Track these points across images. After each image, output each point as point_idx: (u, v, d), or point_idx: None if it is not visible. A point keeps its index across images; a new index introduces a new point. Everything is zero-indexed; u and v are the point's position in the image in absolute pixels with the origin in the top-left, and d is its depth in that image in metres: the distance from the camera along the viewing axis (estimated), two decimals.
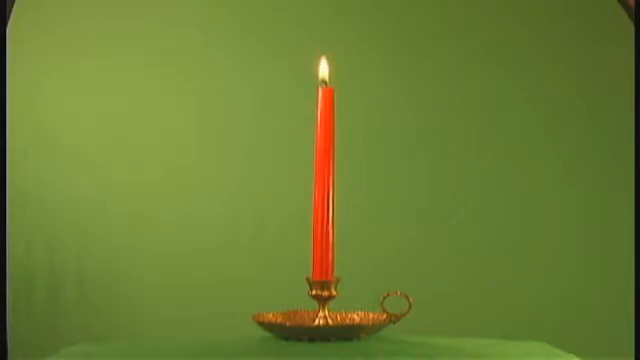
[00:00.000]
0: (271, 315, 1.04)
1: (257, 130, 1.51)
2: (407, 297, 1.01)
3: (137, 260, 1.48)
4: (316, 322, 1.02)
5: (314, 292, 1.01)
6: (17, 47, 1.43)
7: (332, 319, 1.02)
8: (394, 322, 1.02)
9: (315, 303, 1.02)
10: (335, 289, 1.01)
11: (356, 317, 1.05)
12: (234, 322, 1.15)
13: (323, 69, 1.05)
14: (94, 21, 1.50)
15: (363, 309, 1.06)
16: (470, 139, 1.52)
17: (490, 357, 0.98)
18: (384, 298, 1.02)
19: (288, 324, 1.01)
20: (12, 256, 1.40)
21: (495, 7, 1.53)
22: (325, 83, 1.03)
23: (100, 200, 1.48)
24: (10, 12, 1.33)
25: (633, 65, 1.30)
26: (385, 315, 1.02)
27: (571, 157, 1.52)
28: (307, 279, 1.01)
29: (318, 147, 1.01)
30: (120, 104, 1.50)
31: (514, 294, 1.50)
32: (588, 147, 1.52)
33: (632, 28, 1.37)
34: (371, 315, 1.05)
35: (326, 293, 1.01)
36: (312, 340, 0.98)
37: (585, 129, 1.52)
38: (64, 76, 1.49)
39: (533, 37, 1.53)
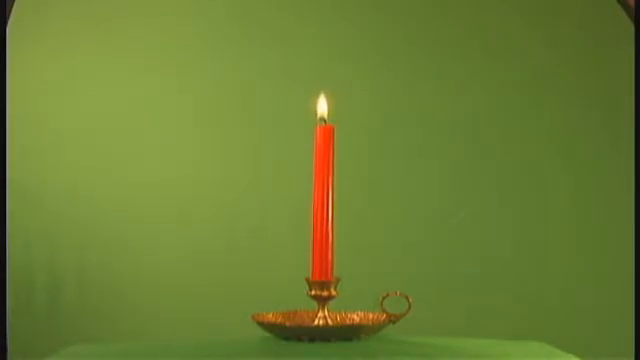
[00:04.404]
0: (271, 315, 1.04)
1: (257, 130, 1.51)
2: (407, 297, 1.01)
3: (137, 261, 1.47)
4: (316, 322, 1.02)
5: (314, 292, 1.01)
6: (17, 47, 1.43)
7: (332, 319, 1.02)
8: (394, 322, 1.02)
9: (315, 303, 1.02)
10: (335, 289, 1.01)
11: (356, 317, 1.05)
12: (234, 322, 1.15)
13: (322, 106, 1.04)
14: (94, 21, 1.50)
15: (363, 309, 1.06)
16: (470, 139, 1.52)
17: (490, 357, 0.98)
18: (384, 298, 1.02)
19: (288, 324, 1.01)
20: (12, 256, 1.40)
21: (495, 9, 1.53)
22: (324, 121, 1.03)
23: (100, 200, 1.48)
24: (10, 12, 1.33)
25: (633, 65, 1.30)
26: (385, 315, 1.02)
27: (572, 157, 1.52)
28: (307, 279, 1.01)
29: (317, 164, 1.01)
30: (120, 104, 1.50)
31: (514, 294, 1.50)
32: (589, 147, 1.52)
33: (632, 28, 1.37)
34: (371, 315, 1.05)
35: (326, 293, 1.01)
36: (312, 340, 0.98)
37: (586, 129, 1.52)
38: (64, 75, 1.49)
39: (533, 38, 1.53)
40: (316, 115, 1.03)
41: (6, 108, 1.20)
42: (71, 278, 1.46)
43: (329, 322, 1.02)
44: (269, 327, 1.01)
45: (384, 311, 1.02)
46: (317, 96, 1.05)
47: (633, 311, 1.25)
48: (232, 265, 1.48)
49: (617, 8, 1.43)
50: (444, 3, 1.53)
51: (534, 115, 1.52)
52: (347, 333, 0.99)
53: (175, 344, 1.02)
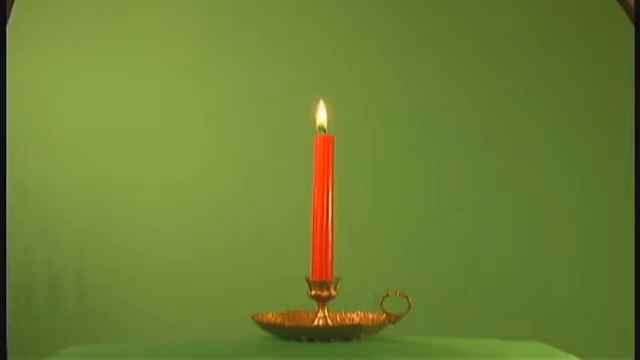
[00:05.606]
0: (271, 315, 1.04)
1: (257, 130, 1.51)
2: (407, 297, 1.01)
3: (137, 261, 1.47)
4: (315, 322, 1.02)
5: (313, 292, 1.01)
6: (17, 46, 1.43)
7: (332, 319, 1.02)
8: (393, 322, 1.02)
9: (315, 303, 1.02)
10: (335, 289, 1.01)
11: (355, 317, 1.05)
12: (234, 322, 1.15)
13: (321, 115, 1.03)
14: (94, 20, 1.50)
15: (363, 309, 1.06)
16: (470, 138, 1.52)
17: (490, 357, 0.98)
18: (383, 298, 1.02)
19: (287, 324, 1.01)
20: (12, 256, 1.40)
21: (497, 8, 1.53)
22: (323, 130, 1.02)
23: (100, 201, 1.48)
24: (10, 11, 1.33)
25: (633, 65, 1.30)
26: (384, 315, 1.02)
27: (574, 157, 1.52)
28: (307, 279, 1.01)
29: (317, 166, 1.01)
30: (120, 104, 1.50)
31: (514, 294, 1.49)
32: (590, 146, 1.52)
33: (632, 28, 1.37)
34: (370, 315, 1.05)
35: (325, 293, 1.01)
36: (311, 340, 0.98)
37: (586, 128, 1.52)
38: (64, 76, 1.49)
39: (534, 37, 1.53)
40: (315, 123, 1.03)
41: (6, 108, 1.20)
42: (71, 278, 1.46)
43: (329, 322, 1.02)
44: (269, 327, 1.01)
45: (384, 311, 1.02)
46: (317, 104, 1.04)
47: (633, 311, 1.25)
48: (232, 265, 1.48)
49: (617, 8, 1.43)
50: (444, 7, 1.53)
51: (534, 115, 1.52)
52: (347, 333, 0.99)
53: (175, 344, 1.02)
